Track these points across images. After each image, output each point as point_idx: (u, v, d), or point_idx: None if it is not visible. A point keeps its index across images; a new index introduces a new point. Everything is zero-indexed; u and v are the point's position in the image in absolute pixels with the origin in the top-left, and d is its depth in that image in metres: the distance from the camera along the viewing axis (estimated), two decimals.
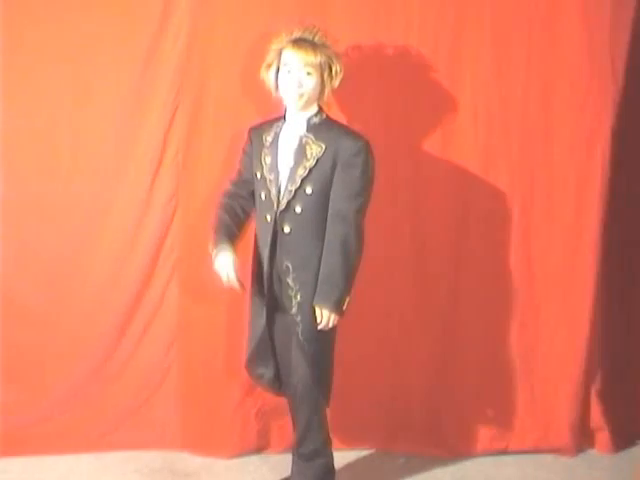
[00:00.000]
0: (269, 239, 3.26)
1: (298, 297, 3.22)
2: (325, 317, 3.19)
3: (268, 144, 3.31)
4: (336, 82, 3.24)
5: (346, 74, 3.36)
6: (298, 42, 3.19)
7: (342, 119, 3.50)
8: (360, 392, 3.88)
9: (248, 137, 3.39)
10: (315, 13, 3.53)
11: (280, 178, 3.25)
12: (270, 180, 3.23)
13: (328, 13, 3.57)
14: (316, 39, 3.20)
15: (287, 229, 3.21)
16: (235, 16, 3.61)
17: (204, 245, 3.65)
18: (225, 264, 3.22)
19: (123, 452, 3.80)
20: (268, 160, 3.30)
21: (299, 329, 3.24)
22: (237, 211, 3.37)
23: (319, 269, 3.21)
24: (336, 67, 3.22)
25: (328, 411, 3.48)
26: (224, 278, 3.22)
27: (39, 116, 3.69)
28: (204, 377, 3.83)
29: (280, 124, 3.31)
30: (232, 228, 3.35)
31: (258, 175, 3.32)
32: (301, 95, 3.19)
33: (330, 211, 3.21)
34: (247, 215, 3.39)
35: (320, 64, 3.18)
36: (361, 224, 3.23)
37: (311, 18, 3.37)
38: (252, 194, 3.36)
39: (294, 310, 3.23)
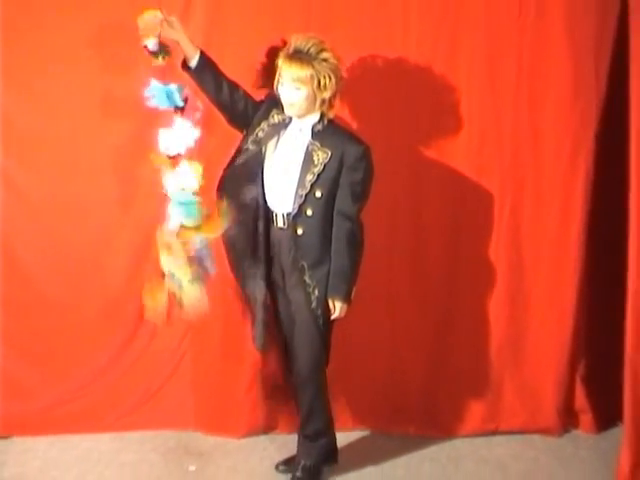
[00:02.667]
0: (279, 240, 3.43)
1: (316, 292, 3.39)
2: (338, 308, 3.40)
3: (272, 123, 3.43)
4: (326, 94, 3.32)
5: (349, 83, 3.48)
6: (291, 57, 3.29)
7: (347, 124, 3.65)
8: (360, 378, 4.01)
9: (264, 100, 3.48)
10: (319, 24, 3.65)
11: (286, 184, 3.38)
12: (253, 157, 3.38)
13: (331, 25, 3.67)
14: (311, 50, 3.28)
15: (300, 231, 3.36)
16: (245, 26, 3.72)
17: (217, 239, 3.65)
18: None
19: (141, 432, 3.96)
20: (260, 134, 3.43)
21: (320, 322, 3.42)
22: (226, 78, 3.43)
23: (330, 265, 3.39)
24: (325, 80, 3.29)
25: (330, 395, 3.62)
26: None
27: (60, 120, 3.81)
28: (216, 363, 3.95)
29: (288, 119, 3.41)
30: (217, 68, 3.41)
31: (244, 132, 3.46)
32: (291, 105, 3.33)
33: (335, 210, 3.37)
34: (224, 80, 3.41)
35: (309, 77, 3.27)
36: (361, 221, 3.41)
37: (315, 28, 3.51)
38: (237, 98, 3.42)
39: (314, 305, 3.40)
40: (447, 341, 4.05)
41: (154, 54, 3.32)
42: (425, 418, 4.06)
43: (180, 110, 3.41)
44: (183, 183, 3.39)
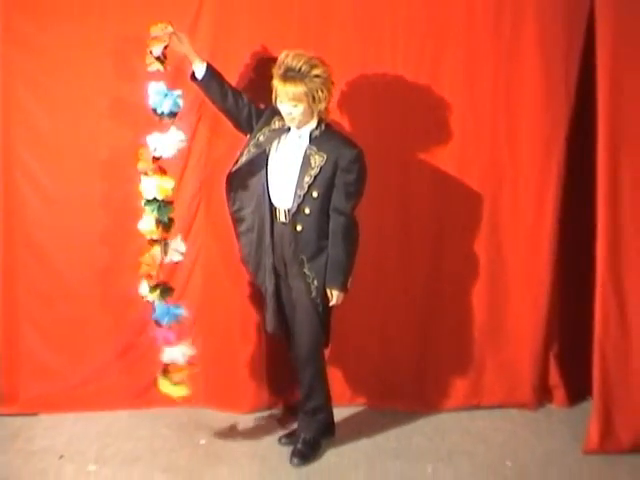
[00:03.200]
0: (284, 235, 3.63)
1: (315, 282, 3.60)
2: (335, 296, 3.61)
3: (273, 128, 3.62)
4: (321, 106, 3.51)
5: (344, 94, 3.73)
6: (285, 77, 3.45)
7: (342, 128, 3.84)
8: (355, 359, 4.20)
9: (267, 108, 3.68)
10: (315, 43, 3.80)
11: (286, 184, 3.58)
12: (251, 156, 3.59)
13: (326, 43, 3.86)
14: (303, 69, 3.43)
15: (299, 228, 3.56)
16: (249, 41, 3.91)
17: (224, 234, 3.96)
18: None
19: (155, 409, 4.13)
20: (261, 138, 3.63)
21: (320, 309, 3.64)
22: (231, 88, 3.69)
23: (327, 258, 3.59)
24: (319, 94, 3.48)
25: (328, 374, 3.84)
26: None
27: (80, 125, 4.00)
28: (224, 346, 4.14)
29: (287, 125, 3.60)
30: (223, 79, 3.67)
31: (248, 137, 3.68)
32: (292, 119, 3.54)
33: (331, 208, 3.57)
34: (229, 90, 3.67)
35: (304, 95, 3.46)
36: (355, 217, 3.61)
37: (312, 46, 3.66)
38: (241, 106, 3.67)
39: (314, 294, 3.61)
40: (433, 326, 4.23)
41: (157, 59, 3.59)
42: (414, 395, 4.24)
43: (172, 117, 3.67)
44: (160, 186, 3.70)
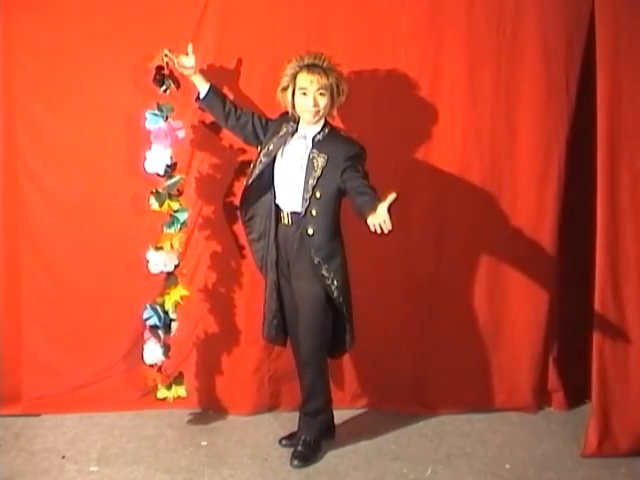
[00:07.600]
0: (290, 239, 3.66)
1: (335, 282, 3.60)
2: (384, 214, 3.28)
3: (280, 134, 3.67)
4: (343, 98, 3.61)
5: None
6: (310, 67, 3.55)
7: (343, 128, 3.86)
8: (356, 362, 4.22)
9: (279, 116, 3.75)
10: (318, 42, 3.83)
11: (291, 188, 3.61)
12: (261, 166, 3.64)
13: (328, 42, 3.87)
14: (325, 64, 3.55)
15: (311, 231, 3.58)
16: (253, 43, 3.94)
17: (224, 237, 4.05)
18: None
19: (158, 410, 4.15)
20: (270, 147, 3.66)
21: (344, 308, 3.67)
22: (234, 107, 3.80)
23: (342, 257, 3.64)
24: (342, 86, 3.59)
25: (330, 376, 3.86)
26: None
27: (86, 131, 4.03)
28: (226, 348, 4.18)
29: (292, 128, 3.66)
30: (225, 98, 3.81)
31: (259, 148, 3.73)
32: (317, 112, 3.58)
33: (348, 184, 3.47)
34: (232, 108, 3.79)
35: (330, 85, 3.55)
36: None
37: (315, 46, 3.72)
38: (244, 122, 3.78)
39: (335, 294, 3.62)
40: (433, 329, 4.25)
41: (156, 76, 3.77)
42: (414, 397, 4.27)
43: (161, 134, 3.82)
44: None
